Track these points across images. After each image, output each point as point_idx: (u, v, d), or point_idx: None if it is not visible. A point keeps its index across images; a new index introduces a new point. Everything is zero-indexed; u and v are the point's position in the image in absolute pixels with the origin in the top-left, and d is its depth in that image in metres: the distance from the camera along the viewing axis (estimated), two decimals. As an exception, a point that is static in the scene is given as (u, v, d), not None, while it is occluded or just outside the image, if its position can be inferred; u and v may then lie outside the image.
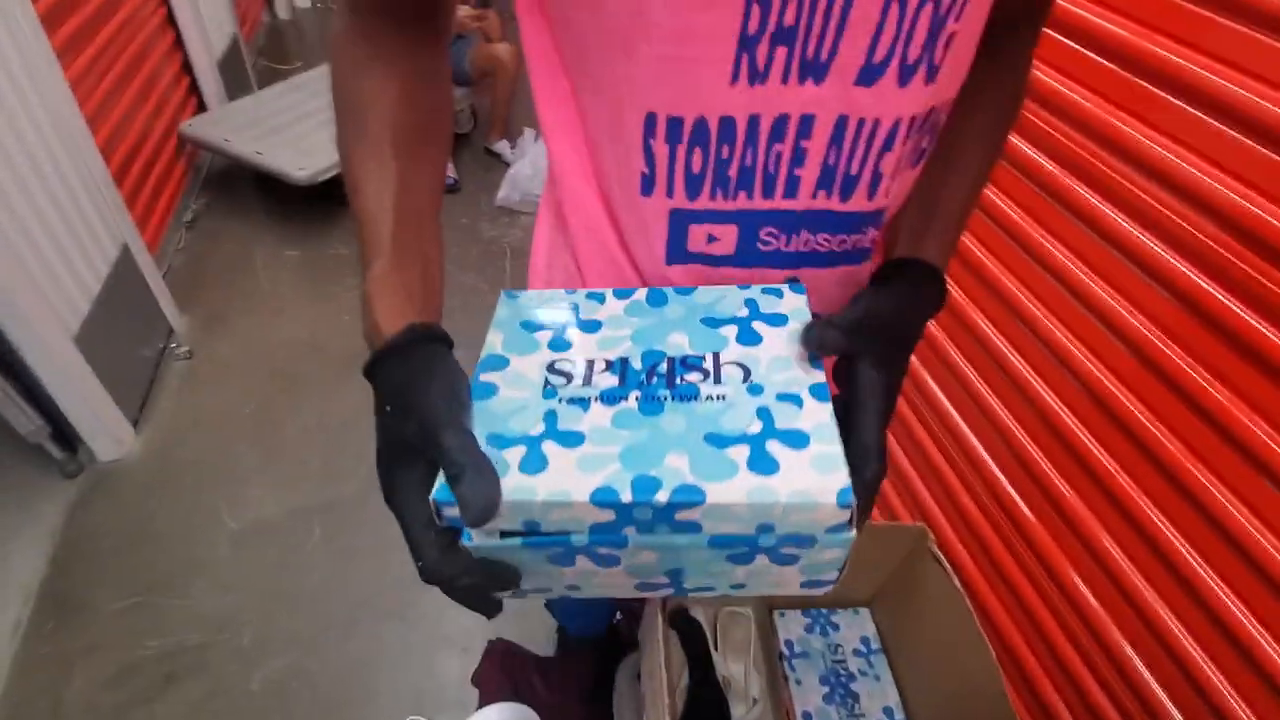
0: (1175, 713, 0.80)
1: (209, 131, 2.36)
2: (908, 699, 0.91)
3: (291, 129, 2.42)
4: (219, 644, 1.32)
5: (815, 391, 0.38)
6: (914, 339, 0.43)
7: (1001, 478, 1.01)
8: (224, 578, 1.42)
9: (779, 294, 0.45)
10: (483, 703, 1.21)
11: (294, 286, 2.17)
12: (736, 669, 0.88)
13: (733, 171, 0.43)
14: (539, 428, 0.36)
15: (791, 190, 0.44)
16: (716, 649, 0.90)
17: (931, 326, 1.12)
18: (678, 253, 0.48)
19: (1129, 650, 0.85)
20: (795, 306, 0.44)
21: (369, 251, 0.41)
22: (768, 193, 0.44)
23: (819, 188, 0.44)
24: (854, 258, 0.49)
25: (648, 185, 0.45)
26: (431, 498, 0.34)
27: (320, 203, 2.35)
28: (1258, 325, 0.69)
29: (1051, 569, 0.94)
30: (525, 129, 2.83)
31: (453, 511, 0.34)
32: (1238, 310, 0.70)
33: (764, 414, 0.37)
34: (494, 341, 0.43)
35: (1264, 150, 0.67)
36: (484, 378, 0.40)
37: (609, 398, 0.38)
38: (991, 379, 1.02)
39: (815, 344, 0.39)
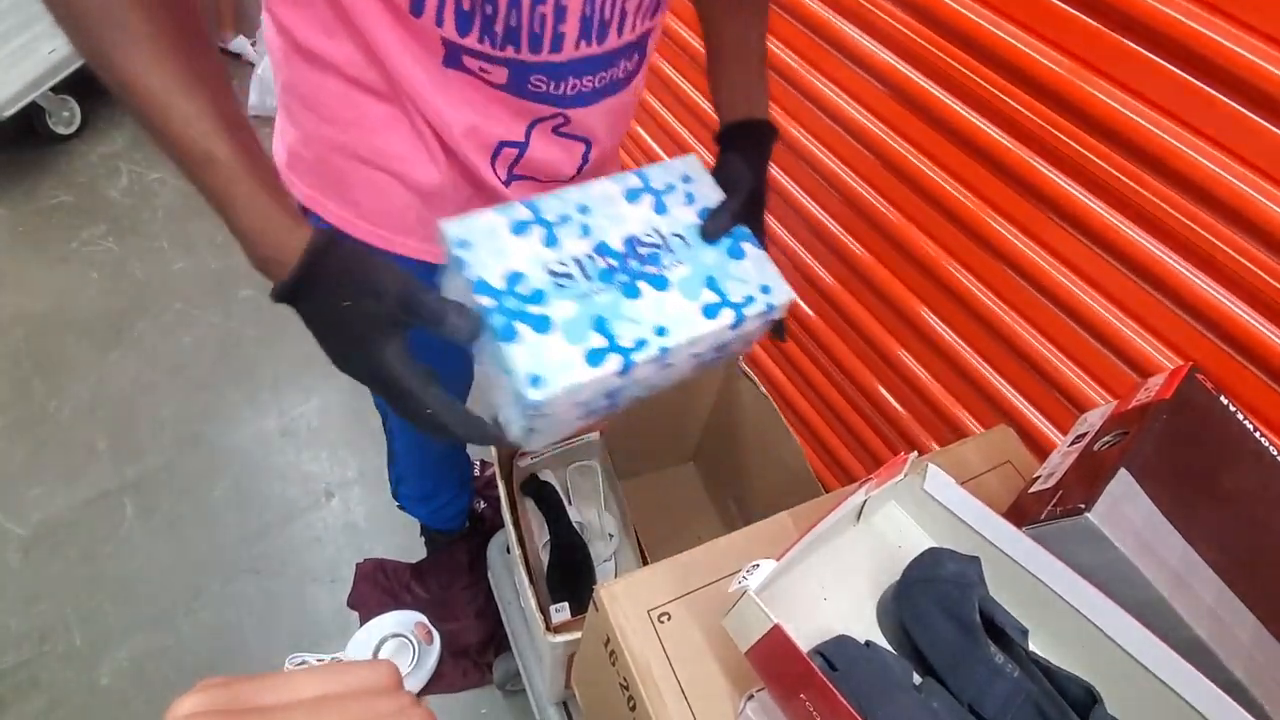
0: (921, 433, 0.98)
1: None
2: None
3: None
4: (45, 655, 1.19)
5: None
6: (766, 187, 0.56)
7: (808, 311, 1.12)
8: (27, 588, 1.25)
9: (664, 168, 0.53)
10: (364, 622, 1.21)
11: (9, 253, 1.80)
12: (590, 514, 0.95)
13: (499, 27, 0.47)
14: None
15: (556, 45, 0.49)
16: (571, 503, 0.96)
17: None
18: (453, 60, 0.50)
19: (881, 391, 1.04)
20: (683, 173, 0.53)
21: (196, 158, 0.41)
22: (535, 48, 0.49)
23: (580, 38, 0.50)
24: (613, 89, 0.56)
25: (418, 6, 0.46)
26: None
27: (17, 145, 1.90)
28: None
29: (832, 356, 1.10)
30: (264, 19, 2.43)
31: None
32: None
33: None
34: (480, 267, 0.44)
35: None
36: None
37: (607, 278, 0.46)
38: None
39: (715, 233, 0.50)
